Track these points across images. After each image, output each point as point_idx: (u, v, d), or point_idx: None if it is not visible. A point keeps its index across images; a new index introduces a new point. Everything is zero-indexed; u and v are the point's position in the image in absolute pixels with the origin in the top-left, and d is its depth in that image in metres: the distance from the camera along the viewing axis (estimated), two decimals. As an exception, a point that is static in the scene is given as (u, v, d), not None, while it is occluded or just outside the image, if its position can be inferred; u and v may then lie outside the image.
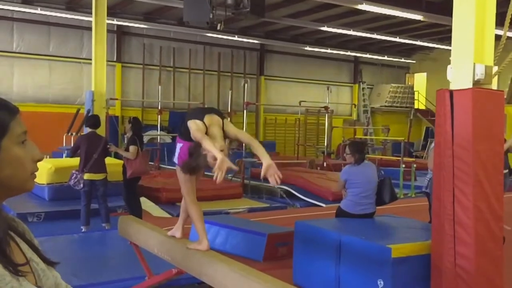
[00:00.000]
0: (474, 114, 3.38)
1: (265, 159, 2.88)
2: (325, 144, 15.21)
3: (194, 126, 2.96)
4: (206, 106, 3.41)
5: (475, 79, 3.44)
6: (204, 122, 2.98)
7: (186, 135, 3.08)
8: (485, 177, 3.40)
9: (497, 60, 3.70)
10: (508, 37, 3.93)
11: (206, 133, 2.95)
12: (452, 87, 3.56)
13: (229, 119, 3.18)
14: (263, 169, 2.84)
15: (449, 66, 3.60)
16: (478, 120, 3.39)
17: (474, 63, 3.45)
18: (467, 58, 3.49)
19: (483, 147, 3.41)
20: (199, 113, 3.10)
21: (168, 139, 16.57)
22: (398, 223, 4.65)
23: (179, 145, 3.22)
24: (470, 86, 3.44)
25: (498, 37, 3.67)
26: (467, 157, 3.38)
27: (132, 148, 6.42)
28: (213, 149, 2.79)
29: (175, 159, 3.31)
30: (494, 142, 3.48)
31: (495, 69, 3.67)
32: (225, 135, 3.07)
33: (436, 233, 3.60)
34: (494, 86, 3.71)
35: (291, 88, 20.22)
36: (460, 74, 3.52)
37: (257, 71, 19.93)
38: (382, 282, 3.59)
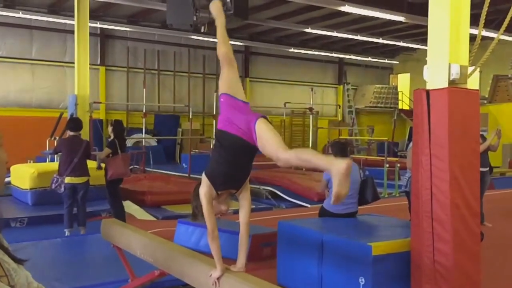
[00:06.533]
0: (450, 113, 3.45)
1: (240, 261, 2.81)
2: (310, 145, 15.31)
3: (204, 195, 2.72)
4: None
5: (451, 79, 3.51)
6: (217, 193, 2.75)
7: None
8: (462, 175, 3.47)
9: (473, 60, 3.78)
10: (483, 37, 4.01)
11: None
12: (429, 86, 3.63)
13: (248, 185, 2.86)
14: (232, 268, 2.79)
15: (425, 66, 3.68)
16: (453, 118, 3.46)
17: (450, 63, 3.52)
18: (443, 58, 3.55)
19: (459, 145, 3.48)
20: (223, 176, 2.72)
21: (153, 142, 16.52)
22: (379, 222, 4.71)
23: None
24: (446, 85, 3.51)
25: (472, 38, 3.75)
26: (443, 155, 3.45)
27: (105, 149, 6.65)
28: (214, 255, 2.74)
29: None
30: (469, 140, 3.56)
31: (471, 69, 3.75)
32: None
33: (415, 230, 3.66)
34: (475, 85, 3.79)
35: (276, 89, 20.30)
36: (436, 74, 3.59)
37: (242, 73, 19.94)
38: (363, 280, 3.64)
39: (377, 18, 14.55)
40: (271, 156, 2.56)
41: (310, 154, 2.48)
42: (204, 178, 2.77)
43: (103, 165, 6.75)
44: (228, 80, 2.93)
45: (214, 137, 2.91)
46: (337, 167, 2.28)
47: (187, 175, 11.91)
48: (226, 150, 2.71)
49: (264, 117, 2.68)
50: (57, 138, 10.53)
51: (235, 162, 2.72)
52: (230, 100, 2.80)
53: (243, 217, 2.84)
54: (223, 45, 3.09)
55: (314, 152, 2.50)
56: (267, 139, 2.58)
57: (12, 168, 8.91)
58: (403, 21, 14.16)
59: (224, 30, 3.13)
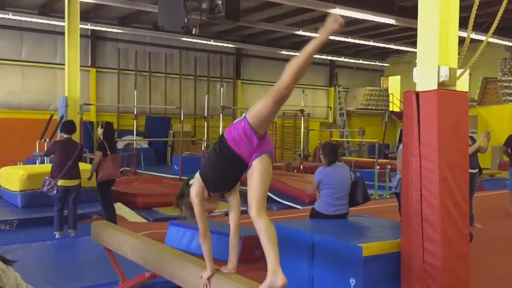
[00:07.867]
0: (439, 114, 3.48)
1: (231, 262, 2.80)
2: (302, 147, 15.33)
3: (196, 194, 2.70)
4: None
5: (440, 81, 3.54)
6: (210, 195, 2.75)
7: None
8: (451, 176, 3.50)
9: (462, 62, 3.82)
10: (472, 40, 4.06)
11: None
12: (418, 88, 3.66)
13: (238, 188, 2.84)
14: (223, 269, 2.79)
15: (415, 69, 3.71)
16: (443, 120, 3.49)
17: (439, 66, 3.55)
18: (432, 60, 3.59)
19: (448, 146, 3.51)
20: (217, 180, 2.73)
21: (144, 144, 16.46)
22: (369, 223, 4.73)
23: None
24: (435, 87, 3.55)
25: (462, 41, 3.78)
26: (433, 156, 3.48)
27: (96, 153, 6.65)
28: (205, 256, 2.73)
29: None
30: (459, 141, 3.59)
31: (460, 71, 3.79)
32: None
33: (405, 231, 3.68)
34: (465, 88, 3.83)
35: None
36: (426, 76, 3.63)
37: (233, 75, 19.98)
38: (354, 281, 3.65)
39: (368, 21, 14.62)
40: (248, 198, 2.55)
41: (268, 240, 2.41)
42: (198, 178, 2.76)
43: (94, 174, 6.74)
44: (263, 115, 2.62)
45: (218, 138, 2.78)
46: (273, 278, 2.38)
47: (178, 177, 11.89)
48: (225, 158, 2.68)
49: (268, 155, 2.61)
50: (47, 140, 10.47)
51: (231, 170, 2.72)
52: (247, 131, 2.60)
53: (233, 218, 2.84)
54: (293, 74, 2.57)
55: (273, 242, 2.41)
56: (254, 182, 2.55)
57: (1, 170, 8.83)
58: (394, 24, 14.25)
59: (312, 52, 2.48)
